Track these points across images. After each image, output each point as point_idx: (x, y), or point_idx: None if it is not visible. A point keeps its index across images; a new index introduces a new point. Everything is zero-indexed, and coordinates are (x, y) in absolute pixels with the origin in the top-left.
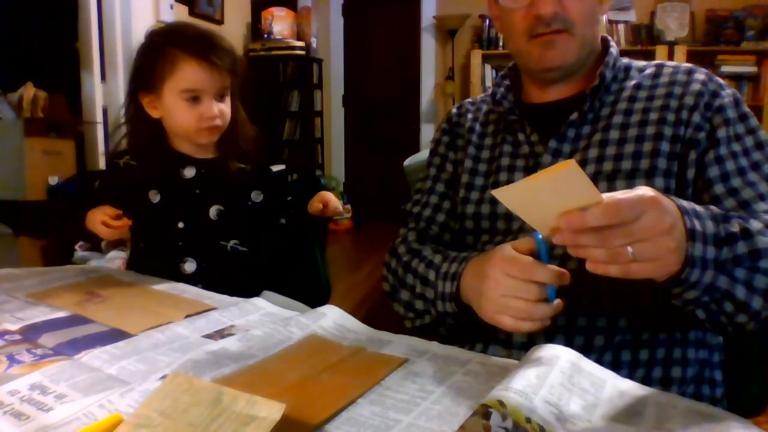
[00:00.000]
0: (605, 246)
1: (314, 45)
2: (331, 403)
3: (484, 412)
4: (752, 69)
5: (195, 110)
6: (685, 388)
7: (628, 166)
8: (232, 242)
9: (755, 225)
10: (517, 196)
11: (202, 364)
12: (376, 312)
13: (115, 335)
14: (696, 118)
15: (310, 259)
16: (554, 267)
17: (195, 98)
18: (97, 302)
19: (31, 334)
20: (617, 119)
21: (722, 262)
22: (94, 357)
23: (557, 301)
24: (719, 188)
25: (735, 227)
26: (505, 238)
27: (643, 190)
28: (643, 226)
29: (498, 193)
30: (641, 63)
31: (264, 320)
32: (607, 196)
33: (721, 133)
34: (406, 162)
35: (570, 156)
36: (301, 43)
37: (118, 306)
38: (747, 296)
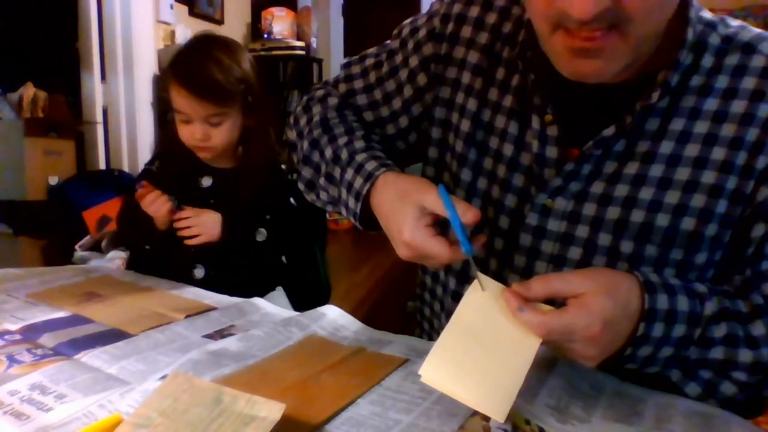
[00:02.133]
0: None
1: (314, 45)
2: (331, 403)
3: (483, 414)
4: None
5: (187, 129)
6: None
7: (665, 224)
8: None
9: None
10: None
11: (202, 364)
12: (376, 312)
13: (115, 335)
14: None
15: (310, 259)
16: (475, 246)
17: (187, 120)
18: (97, 302)
19: (31, 334)
20: (666, 147)
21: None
22: (94, 357)
23: (479, 243)
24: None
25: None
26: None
27: (590, 316)
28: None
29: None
30: (720, 36)
31: (264, 320)
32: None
33: None
34: None
35: (587, 185)
36: (301, 43)
37: (118, 306)
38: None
